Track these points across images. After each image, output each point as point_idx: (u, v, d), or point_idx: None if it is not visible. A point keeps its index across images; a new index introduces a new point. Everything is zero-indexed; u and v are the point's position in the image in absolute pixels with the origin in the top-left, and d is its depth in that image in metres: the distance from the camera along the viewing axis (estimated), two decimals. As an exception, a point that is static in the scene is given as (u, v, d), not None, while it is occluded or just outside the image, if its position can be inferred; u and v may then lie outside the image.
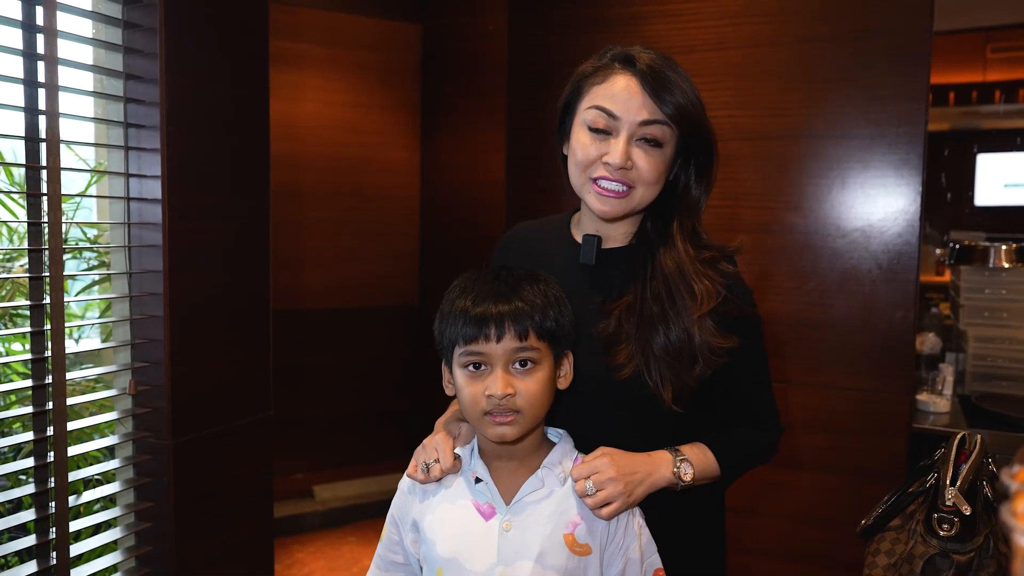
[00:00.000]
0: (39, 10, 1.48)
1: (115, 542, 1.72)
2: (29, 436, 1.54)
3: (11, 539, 1.57)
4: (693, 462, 1.13)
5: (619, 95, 1.09)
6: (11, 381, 2.05)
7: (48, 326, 1.53)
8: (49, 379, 1.53)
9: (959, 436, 1.66)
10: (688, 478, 1.12)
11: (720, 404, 1.22)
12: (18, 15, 1.48)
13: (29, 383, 1.54)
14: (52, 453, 1.53)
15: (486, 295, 1.04)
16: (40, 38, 1.49)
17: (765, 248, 2.30)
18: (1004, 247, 2.55)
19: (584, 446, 1.12)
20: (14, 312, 2.14)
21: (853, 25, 2.17)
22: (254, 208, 1.93)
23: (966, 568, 1.49)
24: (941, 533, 1.52)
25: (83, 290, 2.24)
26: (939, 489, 1.57)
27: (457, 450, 1.12)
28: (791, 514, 2.31)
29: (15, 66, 1.49)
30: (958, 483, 1.55)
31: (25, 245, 1.54)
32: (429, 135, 4.01)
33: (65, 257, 1.56)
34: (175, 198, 1.69)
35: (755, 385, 1.23)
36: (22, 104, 1.49)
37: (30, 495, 1.53)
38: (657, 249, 1.15)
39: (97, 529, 1.81)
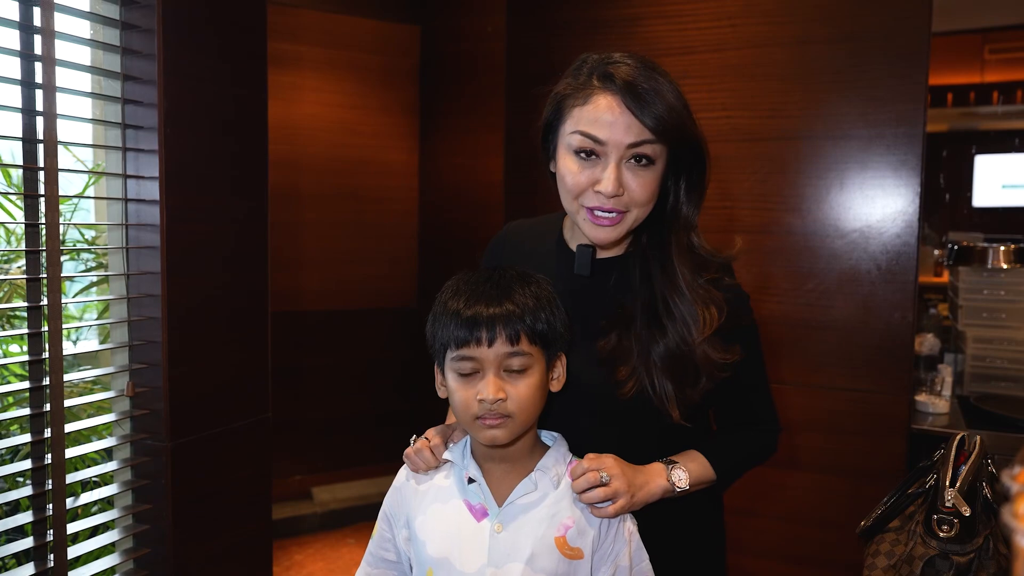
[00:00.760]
0: (36, 11, 1.48)
1: (113, 544, 1.71)
2: (27, 438, 1.53)
3: (9, 541, 1.56)
4: (687, 469, 1.13)
5: (603, 118, 1.05)
6: (9, 383, 2.05)
7: (46, 327, 1.52)
8: (47, 381, 1.52)
9: (958, 437, 1.65)
10: (684, 484, 1.12)
11: (718, 408, 1.22)
12: (15, 16, 1.47)
13: (27, 384, 1.53)
14: (50, 455, 1.52)
15: (477, 297, 1.03)
16: (38, 39, 1.48)
17: (764, 249, 2.30)
18: (1002, 248, 2.55)
19: (578, 452, 1.12)
20: (12, 313, 2.13)
21: (851, 26, 2.17)
22: (252, 209, 1.92)
23: (966, 569, 1.49)
24: (941, 534, 1.52)
25: (81, 291, 2.23)
26: (938, 490, 1.57)
27: (450, 449, 1.12)
28: (790, 515, 2.30)
29: (13, 67, 1.48)
30: (957, 484, 1.55)
31: (23, 246, 1.54)
32: (428, 137, 4.00)
33: (63, 258, 1.56)
34: (173, 199, 1.68)
35: (753, 389, 1.23)
36: (20, 105, 1.49)
37: (28, 497, 1.52)
38: (653, 262, 1.14)
39: (95, 531, 1.80)
